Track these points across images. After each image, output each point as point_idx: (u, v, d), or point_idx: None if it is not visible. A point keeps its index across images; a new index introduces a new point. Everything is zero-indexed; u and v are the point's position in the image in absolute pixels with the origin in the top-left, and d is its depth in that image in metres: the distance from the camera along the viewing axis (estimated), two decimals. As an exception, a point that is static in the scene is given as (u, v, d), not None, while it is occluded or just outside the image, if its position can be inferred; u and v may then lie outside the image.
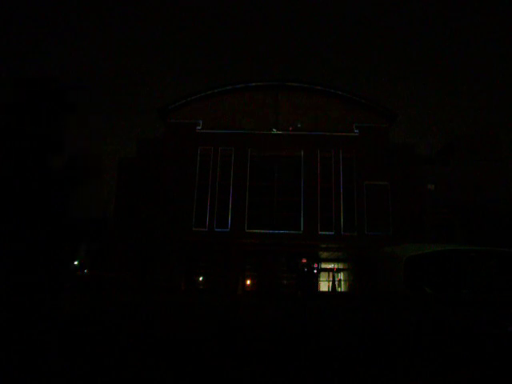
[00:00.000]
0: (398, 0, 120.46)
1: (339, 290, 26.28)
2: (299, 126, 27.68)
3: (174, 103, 29.02)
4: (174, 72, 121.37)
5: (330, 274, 26.81)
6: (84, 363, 3.03)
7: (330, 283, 26.47)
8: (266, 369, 3.03)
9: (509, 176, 28.08)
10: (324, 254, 27.28)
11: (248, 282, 26.53)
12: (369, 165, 27.04)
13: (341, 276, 27.24)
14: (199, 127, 28.30)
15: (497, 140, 30.40)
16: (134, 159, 29.08)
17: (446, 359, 3.50)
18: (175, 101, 29.26)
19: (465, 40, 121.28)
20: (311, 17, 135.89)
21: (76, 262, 34.07)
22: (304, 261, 26.66)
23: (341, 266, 27.23)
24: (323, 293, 25.62)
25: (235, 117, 28.25)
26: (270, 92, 28.90)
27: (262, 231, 26.03)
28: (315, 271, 26.62)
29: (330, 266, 27.15)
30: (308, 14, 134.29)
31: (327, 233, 26.12)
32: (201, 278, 26.62)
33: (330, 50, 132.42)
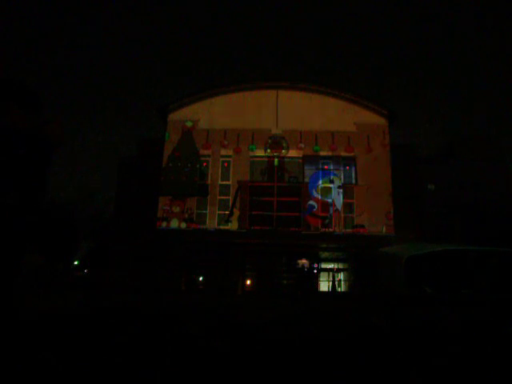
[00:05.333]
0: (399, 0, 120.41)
1: (339, 290, 26.27)
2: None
3: (174, 102, 29.02)
4: (174, 72, 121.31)
5: (330, 274, 26.80)
6: (82, 363, 3.03)
7: (330, 283, 26.46)
8: (266, 369, 3.02)
9: (509, 176, 28.06)
10: (324, 254, 27.27)
11: (248, 281, 26.53)
12: (369, 164, 27.03)
13: (341, 276, 27.23)
14: (199, 126, 28.30)
15: (497, 140, 30.43)
16: (134, 159, 29.12)
17: (446, 359, 3.50)
18: (175, 100, 29.26)
19: (465, 40, 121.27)
20: (311, 16, 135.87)
21: (76, 262, 34.12)
22: (304, 261, 26.66)
23: (341, 266, 27.22)
24: (323, 293, 25.61)
25: (235, 116, 28.24)
26: (270, 91, 28.89)
27: (262, 231, 26.02)
28: (315, 271, 26.62)
29: (330, 266, 27.14)
30: (308, 13, 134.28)
31: (327, 233, 26.13)
32: (201, 278, 26.62)
33: (330, 50, 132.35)
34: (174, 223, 26.51)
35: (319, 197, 26.99)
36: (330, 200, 26.89)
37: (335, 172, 27.47)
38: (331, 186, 27.09)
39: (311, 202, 26.82)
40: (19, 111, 1.82)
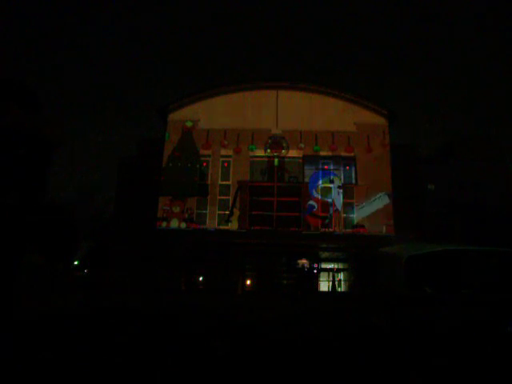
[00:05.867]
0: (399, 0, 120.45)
1: (339, 289, 26.27)
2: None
3: (174, 102, 29.02)
4: (174, 72, 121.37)
5: (330, 274, 26.80)
6: (82, 363, 3.03)
7: (330, 283, 26.46)
8: (267, 368, 3.03)
9: (509, 176, 28.05)
10: (324, 254, 27.26)
11: (248, 281, 26.52)
12: (369, 164, 27.02)
13: (341, 276, 27.23)
14: (199, 126, 28.30)
15: (497, 140, 30.43)
16: (134, 159, 29.11)
17: (446, 359, 3.50)
18: (175, 100, 29.26)
19: (465, 40, 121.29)
20: (311, 16, 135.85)
21: (76, 262, 34.10)
22: (304, 261, 26.64)
23: (341, 266, 27.22)
24: (323, 293, 25.61)
25: (235, 116, 28.24)
26: (270, 91, 28.88)
27: (262, 231, 26.01)
28: (315, 271, 26.61)
29: (330, 266, 27.13)
30: (308, 13, 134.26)
31: (327, 233, 26.13)
32: (201, 278, 26.62)
33: (330, 50, 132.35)
34: (174, 223, 26.51)
35: (319, 197, 26.99)
36: (329, 200, 26.90)
37: (335, 172, 27.46)
38: (331, 185, 27.09)
39: (311, 202, 26.82)
40: (19, 111, 1.82)
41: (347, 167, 27.67)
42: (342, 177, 27.58)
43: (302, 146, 27.75)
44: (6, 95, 1.80)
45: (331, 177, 27.29)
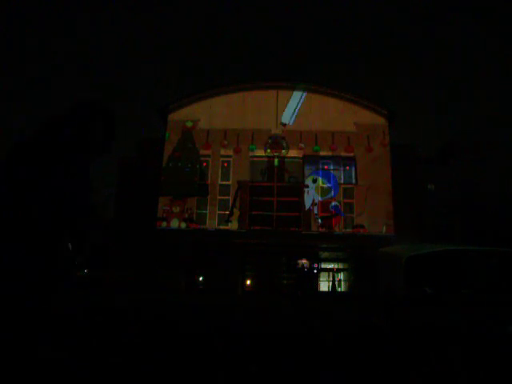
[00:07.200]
0: (399, 0, 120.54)
1: (339, 289, 26.27)
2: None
3: (174, 102, 29.01)
4: (174, 72, 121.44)
5: (330, 274, 26.80)
6: (82, 363, 3.03)
7: (330, 283, 26.46)
8: (267, 368, 3.03)
9: (509, 176, 28.03)
10: (324, 254, 27.27)
11: (248, 281, 26.51)
12: (369, 164, 27.02)
13: (341, 276, 27.23)
14: (199, 126, 28.30)
15: (497, 140, 30.39)
16: (133, 159, 29.10)
17: (446, 359, 3.50)
18: (175, 100, 29.25)
19: (465, 40, 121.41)
20: (311, 16, 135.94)
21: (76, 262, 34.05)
22: (304, 261, 26.65)
23: (341, 266, 27.23)
24: (323, 293, 25.61)
25: (235, 116, 28.24)
26: (270, 91, 28.88)
27: (262, 231, 26.02)
28: (315, 271, 26.62)
29: (330, 266, 27.14)
30: (308, 13, 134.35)
31: (327, 233, 26.13)
32: (201, 278, 26.62)
33: (330, 50, 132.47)
34: (174, 223, 26.52)
35: (319, 197, 27.00)
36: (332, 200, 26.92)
37: (334, 172, 27.48)
38: (314, 185, 27.22)
39: (335, 203, 26.81)
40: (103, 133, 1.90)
41: (347, 167, 27.69)
42: (342, 177, 27.61)
43: (302, 146, 27.77)
44: (96, 116, 1.84)
45: (314, 176, 27.33)
